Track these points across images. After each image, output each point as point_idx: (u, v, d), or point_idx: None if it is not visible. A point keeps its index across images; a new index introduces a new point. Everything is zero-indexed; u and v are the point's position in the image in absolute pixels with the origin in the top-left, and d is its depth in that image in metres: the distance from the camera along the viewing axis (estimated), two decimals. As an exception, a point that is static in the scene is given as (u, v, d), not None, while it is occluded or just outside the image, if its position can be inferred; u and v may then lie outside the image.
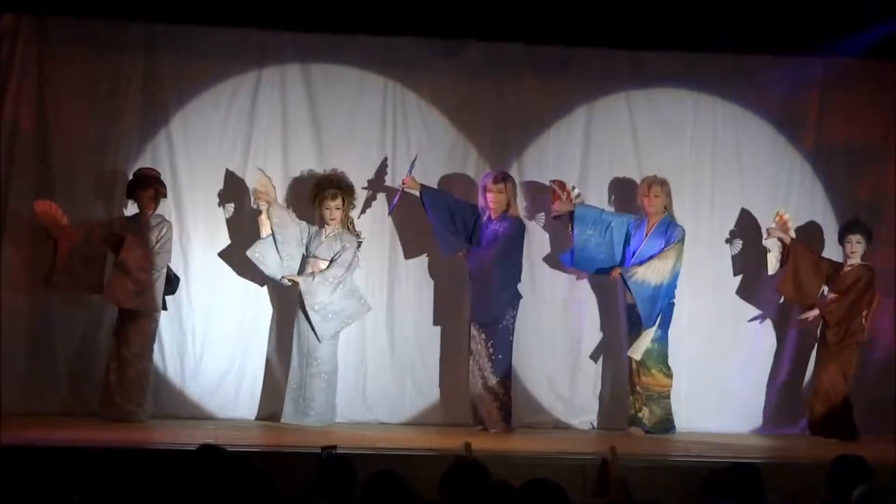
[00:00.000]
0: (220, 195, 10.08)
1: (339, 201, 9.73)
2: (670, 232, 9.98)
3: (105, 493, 6.47)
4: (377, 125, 10.33)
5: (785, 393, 10.50)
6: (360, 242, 9.87)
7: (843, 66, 10.70)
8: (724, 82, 10.66)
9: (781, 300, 10.51)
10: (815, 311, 10.06)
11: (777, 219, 10.18)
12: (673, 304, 9.99)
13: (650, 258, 9.91)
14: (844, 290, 10.02)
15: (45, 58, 9.93)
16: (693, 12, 10.02)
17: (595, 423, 10.41)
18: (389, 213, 10.09)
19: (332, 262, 9.70)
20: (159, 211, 9.71)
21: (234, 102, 10.17)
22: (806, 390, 10.37)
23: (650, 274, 9.87)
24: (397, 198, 9.96)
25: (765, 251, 10.19)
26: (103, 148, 9.98)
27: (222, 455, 5.75)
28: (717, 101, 10.65)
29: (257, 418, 10.02)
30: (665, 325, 9.98)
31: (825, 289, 10.19)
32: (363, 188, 10.10)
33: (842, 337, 9.96)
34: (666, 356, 9.97)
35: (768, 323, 10.58)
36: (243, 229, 10.05)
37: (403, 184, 9.93)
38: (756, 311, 10.56)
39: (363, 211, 10.06)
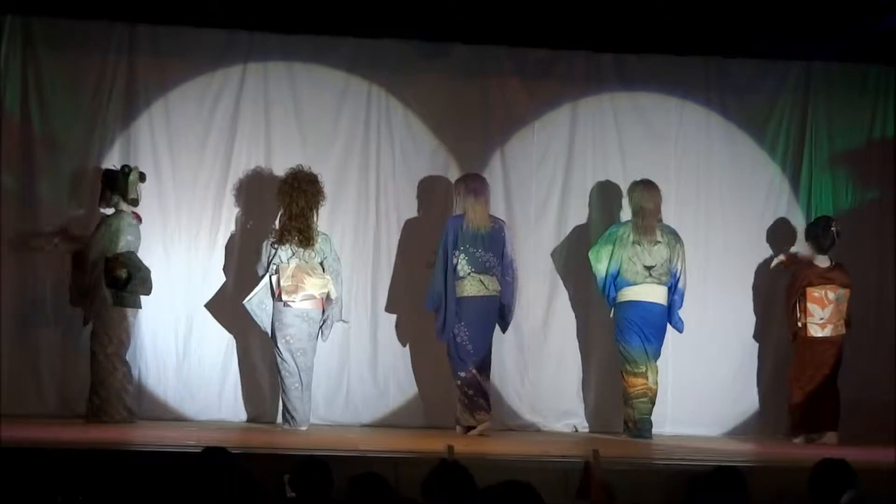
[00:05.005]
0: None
1: (308, 198, 9.64)
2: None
3: (87, 495, 6.45)
4: (360, 125, 10.33)
5: (771, 396, 10.50)
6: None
7: (826, 70, 10.74)
8: (708, 85, 10.68)
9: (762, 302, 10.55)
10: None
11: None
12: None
13: None
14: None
15: (28, 58, 9.95)
16: (677, 16, 10.03)
17: (578, 427, 10.41)
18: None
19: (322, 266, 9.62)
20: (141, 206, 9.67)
21: (219, 102, 10.18)
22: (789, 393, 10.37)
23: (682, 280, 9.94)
24: None
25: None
26: (87, 146, 9.98)
27: (227, 457, 5.69)
28: (701, 105, 10.67)
29: (239, 419, 10.03)
30: None
31: (826, 292, 10.09)
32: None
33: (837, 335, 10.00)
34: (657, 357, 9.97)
35: (752, 325, 10.59)
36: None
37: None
38: (741, 314, 10.58)
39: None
